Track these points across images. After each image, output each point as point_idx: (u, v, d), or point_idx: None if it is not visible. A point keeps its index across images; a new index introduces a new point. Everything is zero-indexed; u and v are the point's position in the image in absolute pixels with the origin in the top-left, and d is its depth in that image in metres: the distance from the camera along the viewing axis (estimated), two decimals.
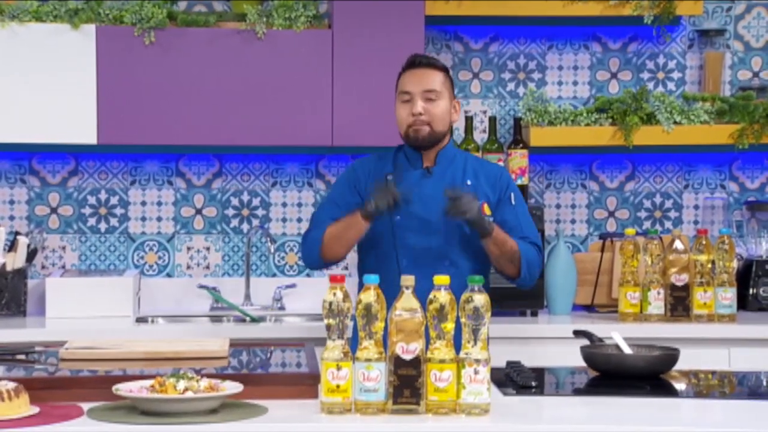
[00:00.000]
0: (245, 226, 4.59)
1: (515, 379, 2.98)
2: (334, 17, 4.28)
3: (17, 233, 4.38)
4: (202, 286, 4.48)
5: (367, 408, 2.57)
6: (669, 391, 3.01)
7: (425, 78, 3.33)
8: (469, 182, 3.38)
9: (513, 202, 3.41)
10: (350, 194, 3.42)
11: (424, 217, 3.33)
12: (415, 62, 3.37)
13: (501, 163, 4.41)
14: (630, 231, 4.33)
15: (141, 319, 4.28)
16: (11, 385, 2.53)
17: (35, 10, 4.21)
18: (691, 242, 4.46)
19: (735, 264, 4.26)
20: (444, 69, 3.39)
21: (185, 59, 4.24)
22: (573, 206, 4.70)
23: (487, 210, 3.36)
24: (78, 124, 4.19)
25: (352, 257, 3.60)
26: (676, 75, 4.70)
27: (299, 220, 4.61)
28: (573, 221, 4.70)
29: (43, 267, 4.51)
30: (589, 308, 4.46)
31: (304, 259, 3.48)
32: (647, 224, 4.69)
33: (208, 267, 4.58)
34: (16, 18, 4.18)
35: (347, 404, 2.58)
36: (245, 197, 4.60)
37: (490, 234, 3.26)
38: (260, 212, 4.60)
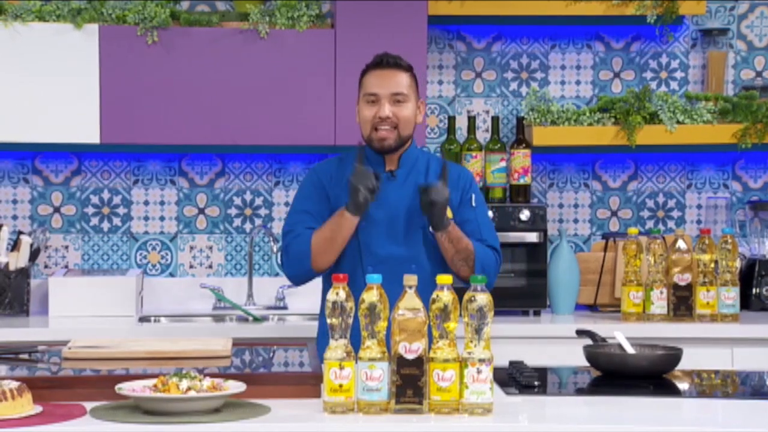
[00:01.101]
0: (248, 226, 4.59)
1: (518, 379, 2.98)
2: (336, 17, 4.28)
3: (20, 233, 4.38)
4: (204, 286, 4.48)
5: (370, 407, 2.57)
6: (672, 391, 3.01)
7: (392, 79, 3.27)
8: None
9: (473, 204, 3.34)
10: (318, 200, 3.32)
11: (389, 220, 3.28)
12: (383, 62, 3.29)
13: (503, 163, 4.41)
14: (633, 230, 4.32)
15: (144, 319, 4.29)
16: (14, 384, 2.53)
17: (38, 10, 4.21)
18: (694, 242, 4.46)
19: (738, 263, 4.26)
20: (410, 69, 3.32)
21: (188, 59, 4.24)
22: (576, 206, 4.70)
23: (448, 213, 3.29)
24: (81, 124, 4.20)
25: None
26: (679, 74, 4.70)
27: None
28: (576, 221, 4.70)
29: (45, 266, 4.52)
30: (592, 308, 4.45)
31: (291, 275, 3.34)
32: (650, 224, 4.69)
33: (210, 266, 4.58)
34: (19, 17, 4.19)
35: (350, 404, 2.58)
36: (248, 197, 4.60)
37: (446, 228, 3.20)
38: (263, 212, 4.60)
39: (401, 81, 3.28)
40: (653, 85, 4.68)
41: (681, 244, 4.22)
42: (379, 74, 3.29)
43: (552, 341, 4.02)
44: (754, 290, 4.44)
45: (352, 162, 3.30)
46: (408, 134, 3.31)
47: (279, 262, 3.43)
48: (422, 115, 3.36)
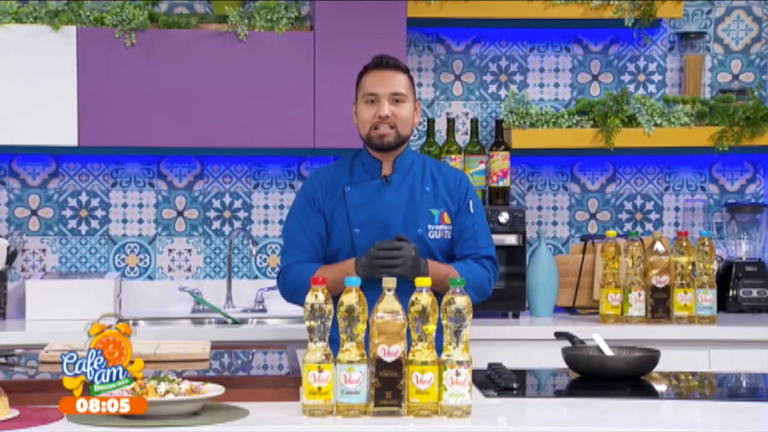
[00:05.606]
0: (227, 228, 4.58)
1: (497, 381, 2.98)
2: (316, 19, 4.28)
3: None
4: (183, 289, 4.47)
5: (349, 410, 2.57)
6: (650, 393, 3.02)
7: (392, 80, 3.28)
8: (428, 189, 3.33)
9: (471, 211, 3.35)
10: (313, 213, 3.32)
11: (384, 226, 3.27)
12: (382, 63, 3.31)
13: (482, 166, 4.42)
14: (611, 233, 4.34)
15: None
16: None
17: (15, 12, 4.19)
18: (671, 244, 4.48)
19: (715, 266, 4.28)
20: (407, 71, 3.34)
21: (166, 61, 4.23)
22: (554, 208, 4.71)
23: (446, 219, 3.31)
24: (58, 126, 4.18)
25: None
26: (656, 77, 4.72)
27: (281, 222, 4.60)
28: (554, 223, 4.72)
29: (23, 269, 4.49)
30: (571, 310, 4.47)
31: (287, 297, 3.34)
32: (628, 226, 4.71)
33: (189, 269, 4.57)
34: None
35: (329, 406, 2.58)
36: (227, 199, 4.59)
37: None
38: (242, 214, 4.59)
39: (400, 81, 3.30)
40: (631, 87, 4.70)
41: (659, 246, 4.24)
42: (378, 74, 3.30)
43: (531, 343, 4.03)
44: (731, 292, 4.47)
45: (346, 169, 3.33)
46: (407, 134, 3.32)
47: (277, 282, 3.42)
48: (419, 117, 3.39)
